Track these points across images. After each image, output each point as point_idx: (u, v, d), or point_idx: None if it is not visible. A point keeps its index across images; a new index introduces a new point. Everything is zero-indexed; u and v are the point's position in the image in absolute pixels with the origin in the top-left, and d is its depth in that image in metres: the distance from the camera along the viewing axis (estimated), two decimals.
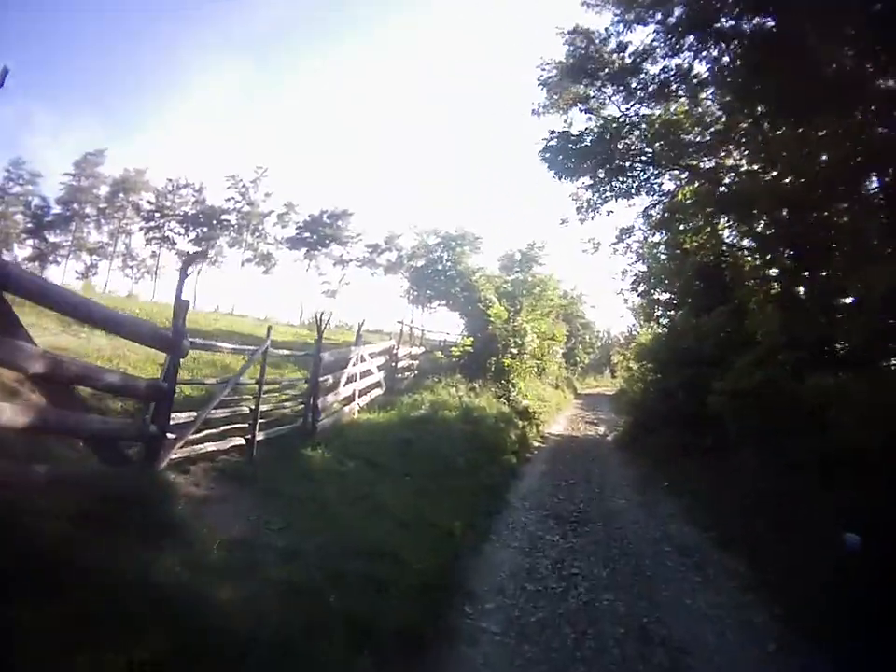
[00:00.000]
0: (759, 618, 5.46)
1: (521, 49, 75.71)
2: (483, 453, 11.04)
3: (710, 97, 12.22)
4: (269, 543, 5.00)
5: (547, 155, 13.79)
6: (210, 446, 6.55)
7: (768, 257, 10.63)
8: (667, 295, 16.64)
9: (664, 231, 15.36)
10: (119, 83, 78.88)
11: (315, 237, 56.03)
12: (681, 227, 14.29)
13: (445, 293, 17.04)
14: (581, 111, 14.27)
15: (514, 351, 17.71)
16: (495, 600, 5.45)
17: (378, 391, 13.16)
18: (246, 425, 7.32)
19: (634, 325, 42.99)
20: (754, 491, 8.33)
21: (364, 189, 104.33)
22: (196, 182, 56.45)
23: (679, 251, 14.69)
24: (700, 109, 12.83)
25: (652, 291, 17.60)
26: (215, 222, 55.46)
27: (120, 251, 56.31)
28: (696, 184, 13.56)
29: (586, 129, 13.87)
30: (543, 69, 14.40)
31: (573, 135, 13.58)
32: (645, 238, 16.58)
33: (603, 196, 14.96)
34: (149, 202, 55.39)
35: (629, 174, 14.19)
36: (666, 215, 14.44)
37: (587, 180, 14.75)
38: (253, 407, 7.43)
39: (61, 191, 53.64)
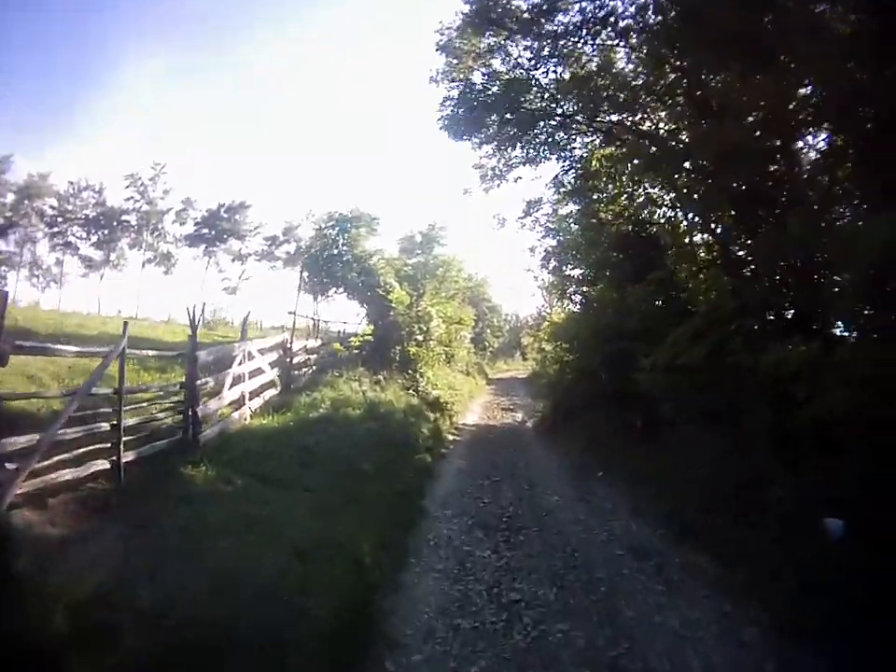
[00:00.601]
0: (745, 631, 4.55)
1: (419, 17, 72.66)
2: (392, 453, 9.59)
3: (627, 49, 11.05)
4: (130, 599, 3.96)
5: (446, 113, 12.33)
6: (67, 473, 5.47)
7: (705, 218, 9.68)
8: (582, 270, 15.72)
9: (577, 201, 14.33)
10: (26, 85, 68.92)
11: (212, 232, 53.47)
12: (595, 196, 13.31)
13: (342, 279, 15.32)
14: (485, 75, 12.83)
15: (420, 338, 16.24)
16: (423, 649, 4.37)
17: (272, 391, 11.26)
18: (110, 444, 6.13)
19: (544, 305, 43.64)
20: (704, 475, 7.34)
21: (262, 179, 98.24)
22: (97, 183, 52.28)
23: (594, 221, 13.72)
24: (618, 64, 11.68)
25: (564, 267, 16.70)
26: (115, 224, 51.75)
27: (27, 260, 51.53)
28: (613, 147, 12.51)
29: (490, 79, 12.50)
30: (443, 33, 12.83)
31: (475, 86, 12.18)
32: (555, 210, 15.57)
33: (509, 163, 13.71)
34: (52, 206, 50.93)
35: (537, 136, 12.94)
36: (579, 183, 13.37)
37: (490, 149, 13.50)
38: (115, 422, 6.16)
39: None
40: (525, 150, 13.31)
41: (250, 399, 9.88)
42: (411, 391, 14.77)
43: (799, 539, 5.52)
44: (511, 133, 12.74)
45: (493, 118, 12.38)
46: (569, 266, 16.29)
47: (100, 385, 6.24)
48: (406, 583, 5.47)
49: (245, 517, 5.78)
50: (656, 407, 9.71)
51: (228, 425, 8.85)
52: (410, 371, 15.58)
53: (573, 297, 17.58)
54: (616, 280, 12.66)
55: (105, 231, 51.59)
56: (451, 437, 13.73)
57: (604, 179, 12.84)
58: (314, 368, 13.01)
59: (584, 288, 16.23)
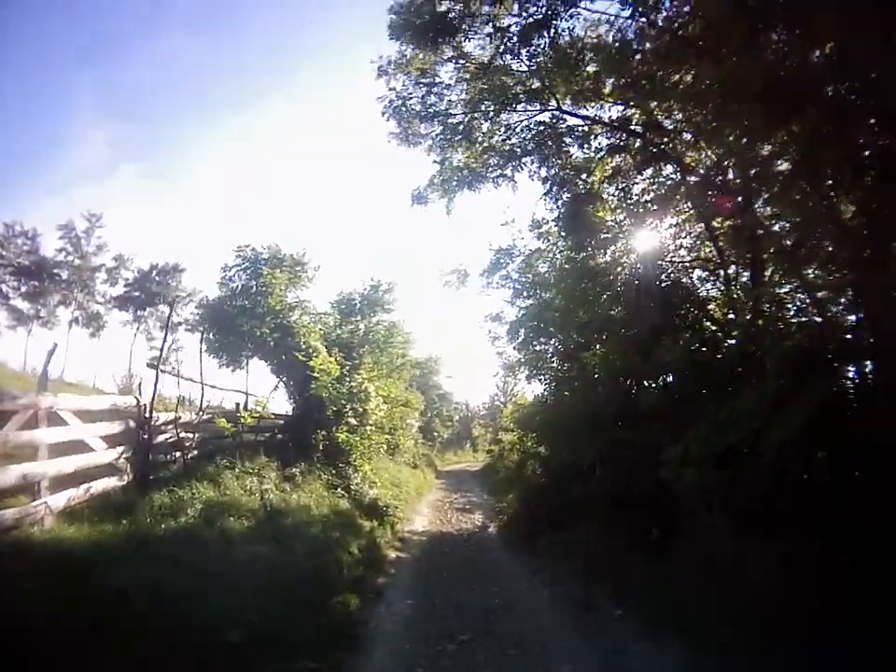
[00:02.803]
0: None
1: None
2: (294, 598, 5.73)
3: None
4: None
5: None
6: None
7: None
8: (563, 338, 12.78)
9: (566, 237, 11.69)
10: None
11: (142, 296, 49.49)
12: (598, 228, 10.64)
13: (251, 338, 11.54)
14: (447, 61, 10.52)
15: (354, 422, 12.62)
16: None
17: (110, 482, 7.08)
18: None
19: (502, 390, 40.96)
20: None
21: (200, 240, 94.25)
22: (30, 229, 47.33)
23: (592, 264, 10.97)
24: None
25: (539, 338, 13.85)
26: (46, 276, 46.67)
27: None
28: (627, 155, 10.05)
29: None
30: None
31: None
32: (527, 263, 12.91)
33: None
34: None
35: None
36: (572, 209, 10.68)
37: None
38: None
39: None
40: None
41: (53, 492, 5.93)
42: (339, 491, 11.00)
43: None
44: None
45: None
46: (548, 333, 13.40)
47: None
48: None
49: None
50: (679, 510, 7.18)
51: None
52: (340, 465, 11.84)
53: (547, 374, 14.60)
54: (628, 342, 9.67)
55: (36, 284, 46.69)
56: (393, 554, 9.91)
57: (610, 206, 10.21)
58: (194, 453, 9.05)
59: (565, 365, 13.27)
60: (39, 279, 46.66)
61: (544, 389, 15.44)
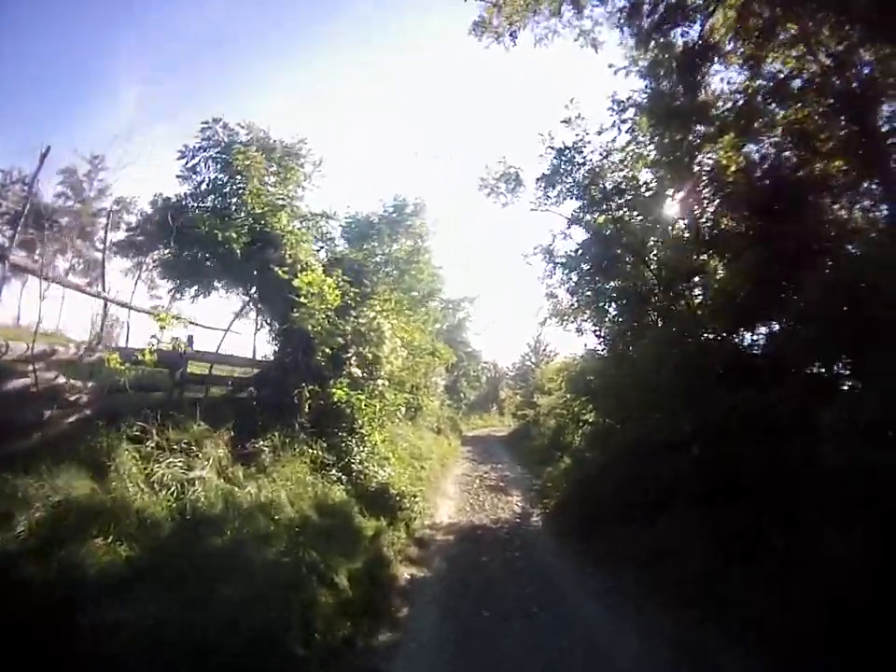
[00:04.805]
0: None
1: None
2: None
3: None
4: None
5: None
6: None
7: None
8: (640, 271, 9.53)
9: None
10: None
11: (144, 239, 44.62)
12: None
13: (212, 251, 7.93)
14: None
15: (358, 372, 8.93)
16: None
17: None
18: None
19: (532, 351, 37.49)
20: None
21: None
22: (27, 175, 43.29)
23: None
24: None
25: (608, 273, 10.28)
26: (44, 224, 42.70)
27: None
28: None
29: None
30: None
31: None
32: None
33: None
34: None
35: None
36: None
37: None
38: None
39: None
40: None
41: None
42: (333, 473, 7.60)
43: None
44: None
45: None
46: (618, 269, 10.26)
47: None
48: None
49: None
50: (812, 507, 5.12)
51: None
52: (337, 435, 8.41)
53: (613, 322, 11.10)
54: (753, 265, 7.17)
55: (32, 232, 43.47)
56: (406, 573, 6.64)
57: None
58: (85, 413, 5.31)
59: (643, 310, 9.86)
60: (37, 227, 43.76)
61: (601, 342, 11.91)
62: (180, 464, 5.08)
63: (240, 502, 5.23)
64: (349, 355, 8.75)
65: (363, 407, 8.89)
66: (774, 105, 8.00)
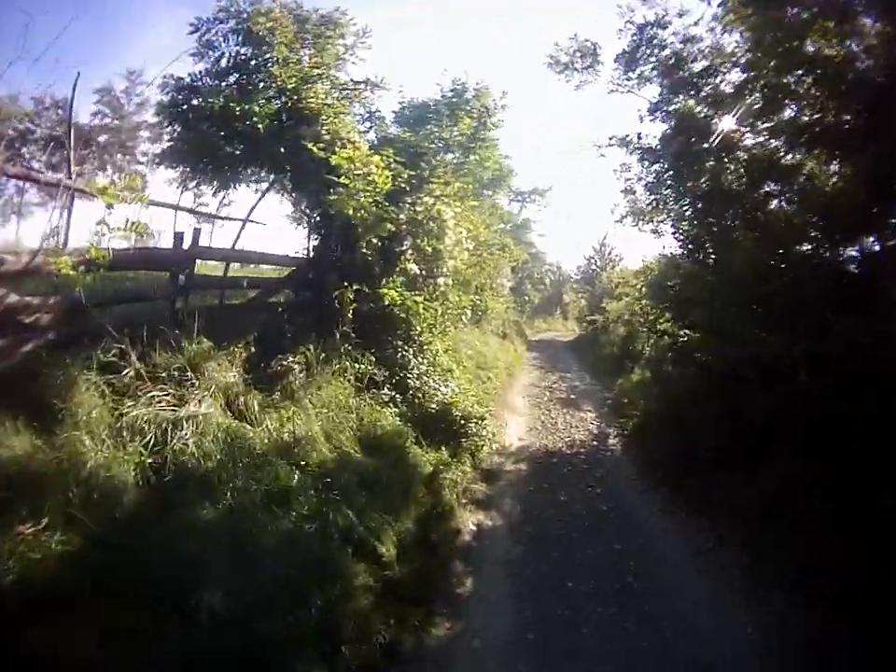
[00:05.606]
0: None
1: None
2: None
3: None
4: None
5: None
6: None
7: None
8: None
9: None
10: None
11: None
12: None
13: (240, 132, 6.25)
14: None
15: (415, 269, 7.36)
16: None
17: None
18: None
19: (598, 254, 35.04)
20: None
21: None
22: (61, 99, 42.87)
23: None
24: None
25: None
26: (82, 143, 42.66)
27: None
28: None
29: None
30: None
31: None
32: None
33: None
34: (13, 129, 42.09)
35: None
36: None
37: None
38: None
39: None
40: None
41: None
42: (384, 393, 6.22)
43: None
44: None
45: None
46: None
47: None
48: None
49: None
50: None
51: None
52: (388, 345, 6.99)
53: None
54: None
55: (66, 153, 43.11)
56: (470, 523, 5.34)
57: None
58: (48, 337, 3.81)
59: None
60: (74, 148, 42.79)
61: (681, 246, 9.94)
62: (168, 399, 3.71)
63: (251, 445, 3.87)
64: (404, 248, 7.10)
65: (421, 311, 7.32)
66: None
